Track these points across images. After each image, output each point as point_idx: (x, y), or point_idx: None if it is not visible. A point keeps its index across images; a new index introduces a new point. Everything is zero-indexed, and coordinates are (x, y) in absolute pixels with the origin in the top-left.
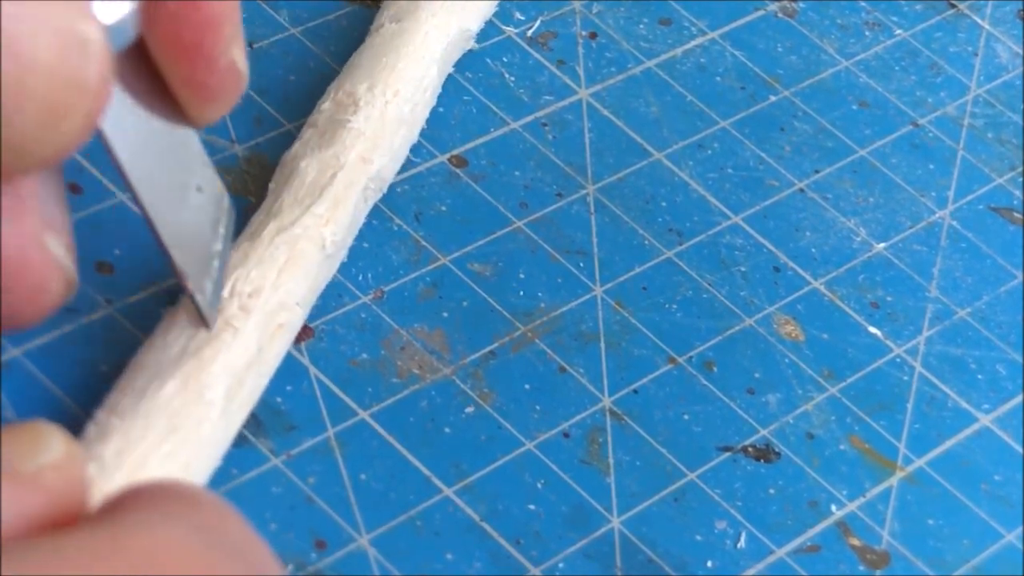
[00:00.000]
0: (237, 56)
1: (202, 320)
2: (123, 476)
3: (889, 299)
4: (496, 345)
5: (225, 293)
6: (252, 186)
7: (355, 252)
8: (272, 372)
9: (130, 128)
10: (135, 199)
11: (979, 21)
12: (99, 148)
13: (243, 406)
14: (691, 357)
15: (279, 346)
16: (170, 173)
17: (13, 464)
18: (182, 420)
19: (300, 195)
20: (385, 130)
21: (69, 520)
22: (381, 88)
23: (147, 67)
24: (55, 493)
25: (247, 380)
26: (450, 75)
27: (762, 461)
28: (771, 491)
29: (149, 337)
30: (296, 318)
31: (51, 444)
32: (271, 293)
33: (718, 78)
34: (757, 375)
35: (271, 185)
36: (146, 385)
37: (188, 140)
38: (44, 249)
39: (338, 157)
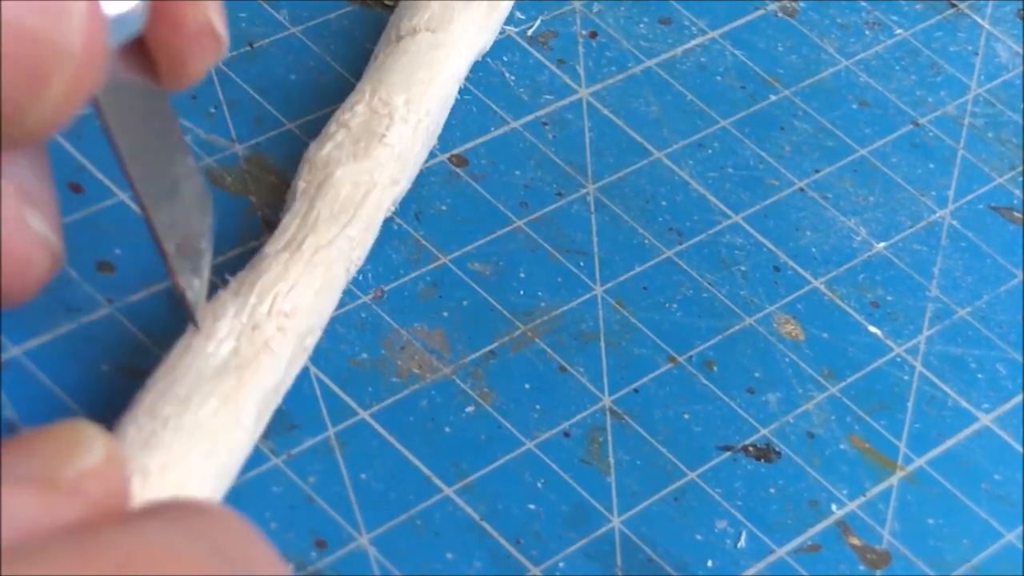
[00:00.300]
0: (213, 18)
1: (191, 318)
2: (166, 494)
3: (889, 298)
4: (496, 344)
5: (264, 309)
6: (252, 186)
7: None
8: (286, 391)
9: (129, 122)
10: (135, 195)
11: (979, 21)
12: (99, 148)
13: (262, 424)
14: (691, 356)
15: (300, 366)
16: (164, 169)
17: (52, 470)
18: (219, 444)
19: (335, 209)
20: (414, 151)
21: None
22: (416, 105)
23: (142, 55)
24: (95, 502)
25: (272, 403)
26: None
27: (762, 460)
28: (771, 490)
29: (183, 339)
30: (317, 340)
31: (92, 447)
32: (305, 316)
33: (718, 77)
34: (757, 374)
35: (300, 184)
36: (188, 395)
37: (177, 137)
38: (25, 227)
39: (371, 174)
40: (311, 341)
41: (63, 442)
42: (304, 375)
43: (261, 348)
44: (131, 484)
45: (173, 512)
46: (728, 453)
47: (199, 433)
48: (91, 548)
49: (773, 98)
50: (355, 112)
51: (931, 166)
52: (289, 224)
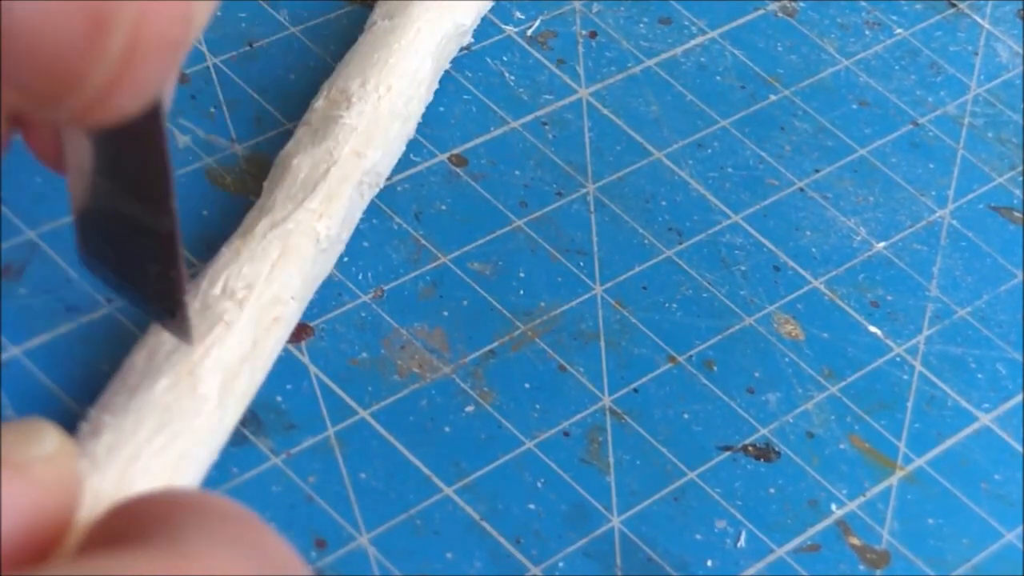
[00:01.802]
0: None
1: (186, 334)
2: (115, 472)
3: (889, 298)
4: (496, 344)
5: (216, 291)
6: (252, 186)
7: (355, 251)
8: (268, 366)
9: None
10: (174, 220)
11: (979, 20)
12: None
13: (240, 400)
14: (691, 356)
15: (275, 340)
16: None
17: (5, 456)
18: (174, 414)
19: (293, 191)
20: (379, 124)
21: (62, 516)
22: (374, 84)
23: None
24: (46, 487)
25: (242, 374)
26: (450, 74)
27: (762, 460)
28: (771, 490)
29: (141, 339)
30: (292, 312)
31: (44, 438)
32: (265, 287)
33: (718, 77)
34: (757, 374)
35: (265, 184)
36: (138, 382)
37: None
38: None
39: (331, 152)
40: (282, 311)
41: (17, 434)
42: (304, 374)
43: (215, 323)
44: (82, 470)
45: (213, 522)
46: (728, 453)
47: (147, 410)
48: (146, 567)
49: (773, 98)
50: (314, 109)
51: (931, 166)
52: (248, 217)
